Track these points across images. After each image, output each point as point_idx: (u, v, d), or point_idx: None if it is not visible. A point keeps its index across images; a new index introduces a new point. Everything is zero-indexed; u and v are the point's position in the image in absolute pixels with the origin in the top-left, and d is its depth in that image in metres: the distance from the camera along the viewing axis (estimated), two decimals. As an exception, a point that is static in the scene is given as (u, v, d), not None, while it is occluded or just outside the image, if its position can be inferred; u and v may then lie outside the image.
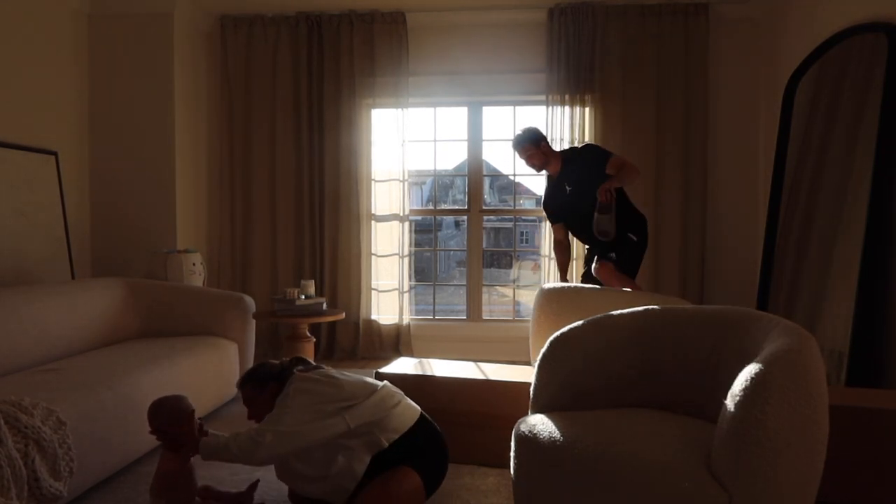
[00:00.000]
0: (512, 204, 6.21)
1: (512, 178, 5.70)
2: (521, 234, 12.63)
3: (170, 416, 2.09)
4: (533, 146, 3.78)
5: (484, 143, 5.06)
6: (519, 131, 3.86)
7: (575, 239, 4.15)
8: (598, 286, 3.54)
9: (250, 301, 3.78)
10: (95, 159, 4.64)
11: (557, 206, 3.88)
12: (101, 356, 2.99)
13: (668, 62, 4.66)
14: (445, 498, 2.37)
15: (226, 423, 3.29)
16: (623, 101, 4.70)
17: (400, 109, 4.85)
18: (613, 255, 3.67)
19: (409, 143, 4.91)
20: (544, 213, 4.79)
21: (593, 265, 3.74)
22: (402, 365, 3.05)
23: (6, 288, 3.09)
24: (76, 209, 4.48)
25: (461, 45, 4.86)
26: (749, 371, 1.59)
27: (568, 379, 2.10)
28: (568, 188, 3.77)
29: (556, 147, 4.68)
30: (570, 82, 4.68)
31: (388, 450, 2.10)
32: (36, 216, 4.03)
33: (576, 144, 4.03)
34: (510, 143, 3.93)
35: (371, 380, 2.26)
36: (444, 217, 9.20)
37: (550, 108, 4.72)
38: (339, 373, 2.23)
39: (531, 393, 2.14)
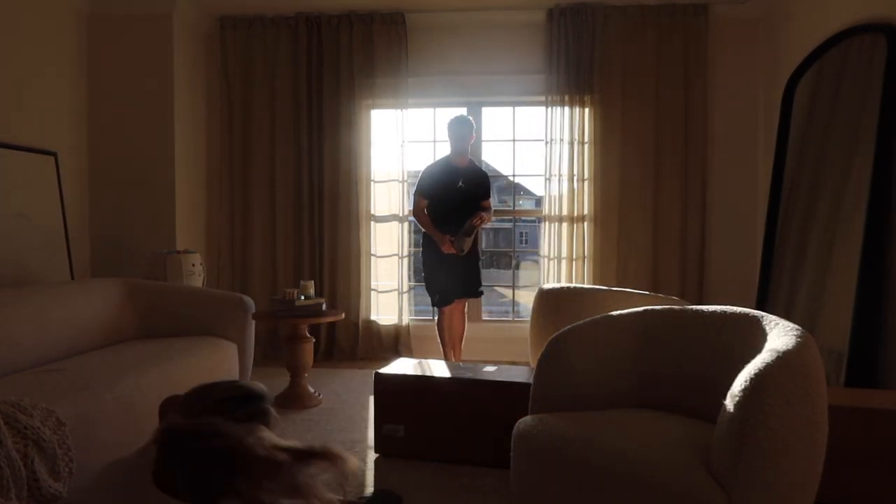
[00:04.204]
0: (511, 205, 6.22)
1: (511, 178, 5.70)
2: (521, 234, 12.65)
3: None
4: (472, 135, 4.20)
5: (483, 144, 5.06)
6: (465, 118, 4.19)
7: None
8: (597, 286, 3.56)
9: (250, 302, 3.77)
10: (95, 159, 4.64)
11: (442, 190, 4.09)
12: (100, 357, 2.98)
13: (668, 63, 4.66)
14: (445, 498, 2.37)
15: (225, 423, 3.28)
16: (622, 102, 4.70)
17: (399, 110, 4.85)
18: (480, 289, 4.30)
19: (409, 143, 4.91)
20: (542, 213, 4.81)
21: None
22: (402, 366, 3.05)
23: (6, 288, 3.09)
24: (76, 209, 4.48)
25: (461, 45, 4.86)
26: (749, 371, 1.59)
27: (567, 379, 2.10)
28: (462, 185, 4.10)
29: (556, 147, 4.77)
30: (570, 83, 4.68)
31: None
32: (36, 216, 4.03)
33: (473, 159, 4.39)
34: (466, 126, 4.16)
35: None
36: (444, 217, 9.19)
37: (550, 108, 4.73)
38: None
39: (531, 393, 2.14)
